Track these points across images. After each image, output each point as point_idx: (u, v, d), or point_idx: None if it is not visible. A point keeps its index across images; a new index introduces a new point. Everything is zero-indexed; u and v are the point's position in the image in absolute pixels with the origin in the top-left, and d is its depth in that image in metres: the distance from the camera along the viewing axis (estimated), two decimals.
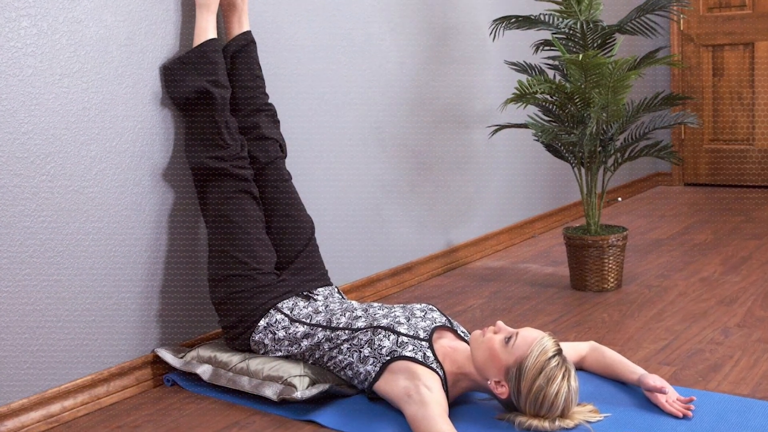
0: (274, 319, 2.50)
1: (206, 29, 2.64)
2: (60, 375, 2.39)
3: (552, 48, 3.51)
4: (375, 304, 2.50)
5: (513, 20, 3.44)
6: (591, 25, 3.32)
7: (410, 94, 3.66)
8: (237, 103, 2.76)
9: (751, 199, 5.23)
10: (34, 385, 2.32)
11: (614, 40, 3.44)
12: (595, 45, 3.40)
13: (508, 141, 4.32)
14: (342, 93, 3.30)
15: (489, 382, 2.14)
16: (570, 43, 3.42)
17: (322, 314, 2.48)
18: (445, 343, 2.31)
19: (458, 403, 2.30)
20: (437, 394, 2.13)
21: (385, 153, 3.53)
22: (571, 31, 3.36)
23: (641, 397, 2.29)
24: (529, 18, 3.41)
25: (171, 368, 2.63)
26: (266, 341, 2.50)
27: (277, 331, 2.49)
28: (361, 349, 2.32)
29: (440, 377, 2.21)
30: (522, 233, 4.43)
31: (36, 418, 2.31)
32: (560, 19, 3.37)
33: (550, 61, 3.58)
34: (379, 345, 2.29)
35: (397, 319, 2.35)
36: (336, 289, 2.72)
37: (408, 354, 2.24)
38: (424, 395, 2.11)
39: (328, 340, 2.40)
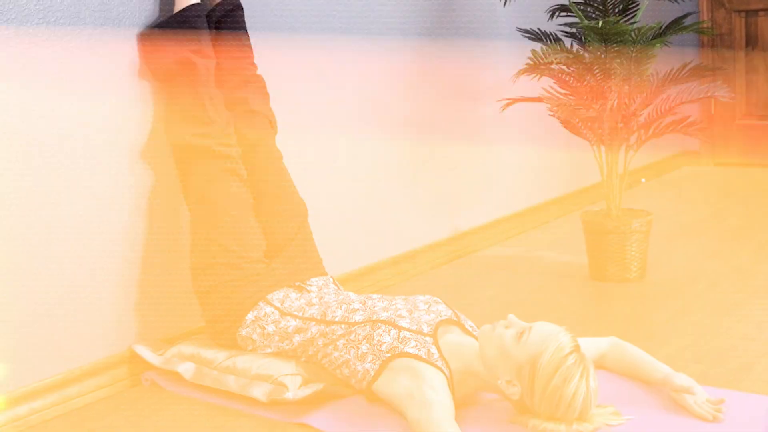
0: (264, 312, 2.50)
1: None
2: (27, 373, 2.38)
3: (569, 14, 3.50)
4: (374, 296, 2.50)
5: None
6: None
7: (413, 65, 3.64)
8: (223, 75, 2.75)
9: None
10: None
11: (637, 5, 3.42)
12: (617, 10, 3.38)
13: (520, 116, 4.31)
14: (338, 64, 3.28)
15: (500, 382, 2.14)
16: (589, 9, 3.41)
17: (316, 307, 2.47)
18: (452, 338, 2.30)
19: (466, 405, 2.30)
20: (442, 395, 2.13)
21: (386, 130, 3.52)
22: None
23: (667, 398, 2.29)
24: None
25: (150, 366, 2.63)
26: (255, 336, 2.50)
27: (266, 326, 2.48)
28: (359, 345, 2.32)
29: (446, 376, 2.20)
30: (536, 218, 4.42)
31: (1, 421, 2.30)
32: None
33: (567, 29, 3.57)
34: (379, 341, 2.28)
35: (398, 312, 2.35)
36: (331, 280, 2.72)
37: (410, 350, 2.23)
38: (428, 396, 2.11)
39: (323, 335, 2.40)
